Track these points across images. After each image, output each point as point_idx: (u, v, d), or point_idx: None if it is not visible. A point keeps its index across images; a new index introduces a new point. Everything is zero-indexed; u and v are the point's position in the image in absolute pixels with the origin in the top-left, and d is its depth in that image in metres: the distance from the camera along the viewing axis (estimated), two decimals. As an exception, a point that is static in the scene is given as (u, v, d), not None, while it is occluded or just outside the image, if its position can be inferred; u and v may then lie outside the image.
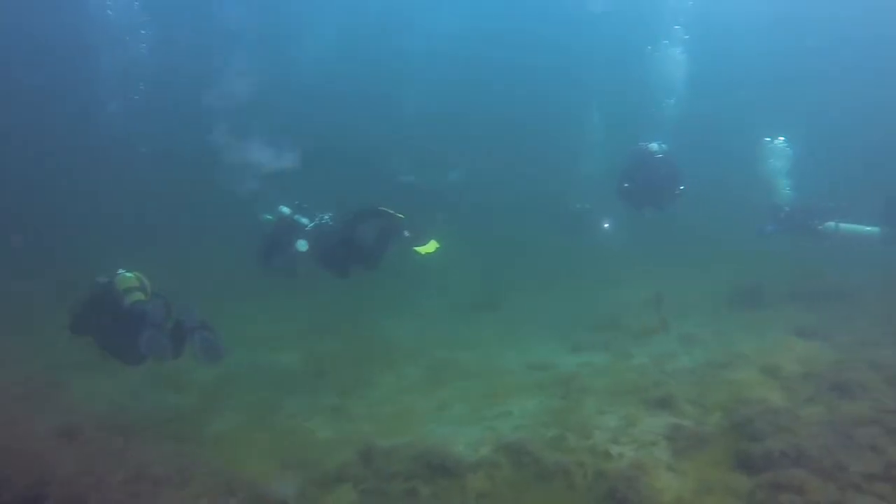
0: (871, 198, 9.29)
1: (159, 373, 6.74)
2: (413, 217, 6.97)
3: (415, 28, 22.13)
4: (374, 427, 5.74)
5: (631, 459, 4.49)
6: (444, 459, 4.61)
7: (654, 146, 8.67)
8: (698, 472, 4.31)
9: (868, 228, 8.95)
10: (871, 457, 3.81)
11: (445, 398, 6.41)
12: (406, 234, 6.86)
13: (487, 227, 16.31)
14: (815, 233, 9.07)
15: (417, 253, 6.98)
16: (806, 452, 4.03)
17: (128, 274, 5.65)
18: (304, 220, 7.03)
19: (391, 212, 6.75)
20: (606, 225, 8.73)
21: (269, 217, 7.25)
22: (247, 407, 6.48)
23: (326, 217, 7.09)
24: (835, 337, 6.84)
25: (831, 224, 8.90)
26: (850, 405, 4.66)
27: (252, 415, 6.26)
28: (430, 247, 7.05)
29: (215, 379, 7.24)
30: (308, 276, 7.56)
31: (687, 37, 14.24)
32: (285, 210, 7.15)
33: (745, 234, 10.05)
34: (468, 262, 14.00)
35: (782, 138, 11.46)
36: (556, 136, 18.68)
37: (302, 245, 6.73)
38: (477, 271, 13.29)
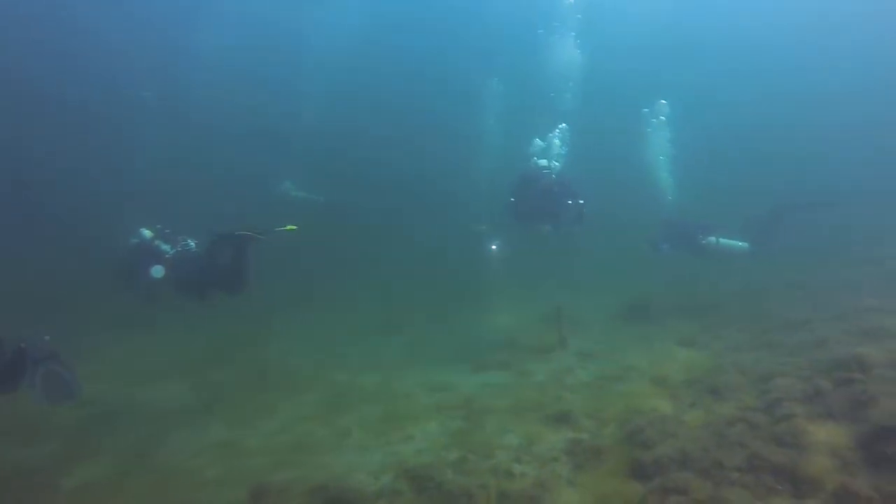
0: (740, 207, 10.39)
1: (10, 417, 5.93)
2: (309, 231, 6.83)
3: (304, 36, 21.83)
4: (268, 461, 5.41)
5: (533, 478, 4.55)
6: (343, 491, 4.44)
7: (543, 162, 8.91)
8: (596, 484, 4.45)
9: (740, 244, 10.06)
10: (738, 451, 4.14)
11: (346, 425, 6.20)
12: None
13: (388, 247, 16.34)
14: (699, 248, 10.06)
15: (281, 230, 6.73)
16: (689, 455, 4.30)
17: None
18: (166, 247, 6.66)
19: (250, 234, 6.49)
20: (494, 247, 8.93)
21: (135, 240, 6.77)
22: (120, 450, 5.85)
23: (191, 242, 6.75)
24: (710, 345, 7.45)
25: (713, 239, 9.95)
26: (722, 406, 5.06)
27: (126, 459, 5.66)
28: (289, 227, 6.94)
29: (82, 420, 6.50)
30: (208, 303, 7.12)
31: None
32: (146, 234, 6.72)
33: (637, 249, 10.78)
34: (369, 285, 13.91)
35: (663, 117, 12.47)
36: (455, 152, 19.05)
37: (157, 271, 6.38)
38: (378, 294, 13.21)
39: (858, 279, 7.95)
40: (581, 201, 8.79)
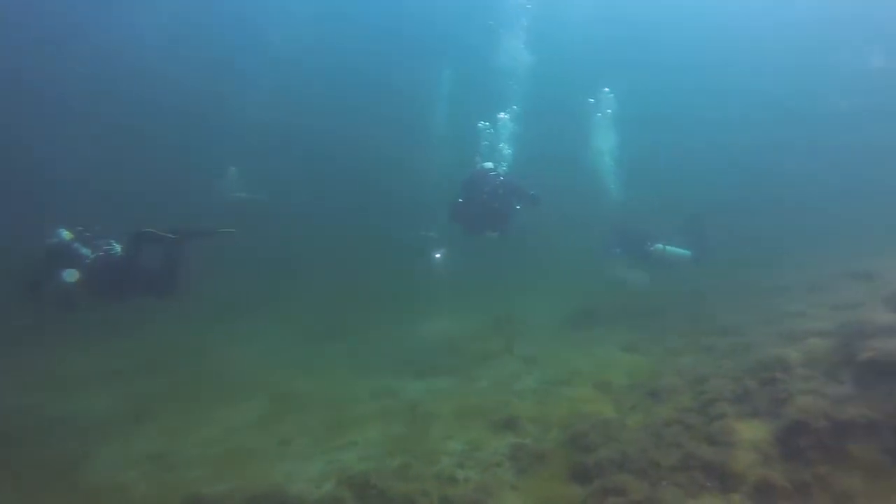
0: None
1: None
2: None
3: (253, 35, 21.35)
4: (203, 472, 5.24)
5: (476, 483, 4.61)
6: (282, 501, 4.37)
7: (489, 165, 8.95)
8: (539, 488, 4.55)
9: (683, 251, 10.56)
10: (674, 452, 4.33)
11: (287, 433, 6.09)
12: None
13: (334, 250, 16.16)
14: (646, 254, 10.48)
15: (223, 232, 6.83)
16: (629, 457, 4.45)
17: None
18: (85, 250, 6.39)
19: (160, 234, 6.38)
20: (437, 255, 8.99)
21: (53, 240, 6.46)
22: (41, 467, 5.52)
23: (116, 245, 6.51)
24: (652, 349, 7.72)
25: (660, 246, 10.39)
26: (661, 408, 5.27)
27: (47, 477, 5.34)
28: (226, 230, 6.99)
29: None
30: (138, 308, 6.85)
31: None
32: (65, 235, 6.42)
33: (584, 254, 11.09)
34: (313, 289, 13.73)
35: (609, 111, 12.76)
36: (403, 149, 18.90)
37: (69, 275, 6.11)
38: (323, 299, 13.07)
39: (784, 285, 8.44)
40: (532, 192, 8.80)
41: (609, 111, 14.64)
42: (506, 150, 10.07)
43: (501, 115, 10.77)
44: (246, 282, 13.65)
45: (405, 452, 5.23)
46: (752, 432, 4.31)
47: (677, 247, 10.74)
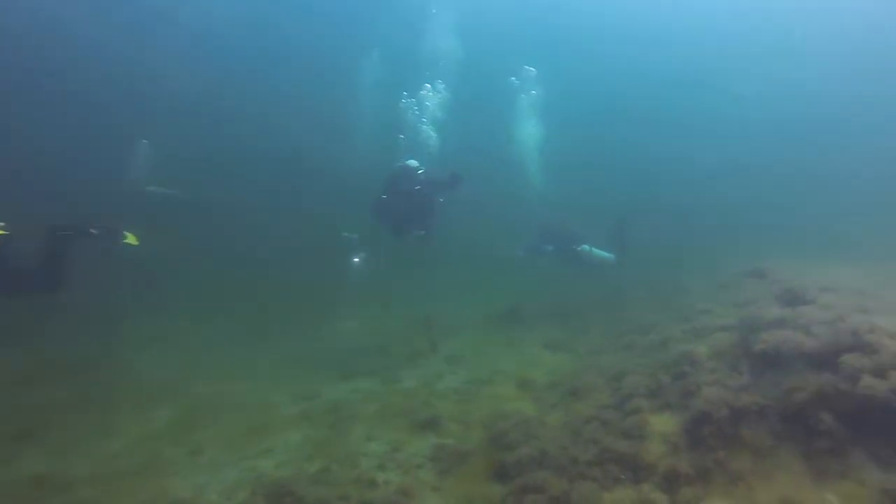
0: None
1: None
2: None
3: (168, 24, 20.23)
4: (96, 493, 4.86)
5: (396, 485, 4.59)
6: (188, 516, 4.11)
7: (413, 163, 8.84)
8: (460, 488, 4.59)
9: (608, 254, 11.00)
10: (591, 448, 4.51)
11: (201, 440, 5.81)
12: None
13: (257, 249, 15.63)
14: (573, 254, 10.83)
15: (128, 244, 6.79)
16: (548, 454, 4.58)
17: None
18: None
19: (64, 231, 6.09)
20: (356, 259, 8.86)
21: None
22: None
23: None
24: (573, 348, 7.99)
25: (586, 247, 10.77)
26: (580, 406, 5.46)
27: None
28: (132, 239, 6.94)
29: None
30: (36, 310, 6.33)
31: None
32: None
33: (510, 252, 11.28)
34: (235, 290, 13.22)
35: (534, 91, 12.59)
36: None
37: None
38: (244, 300, 12.61)
39: (692, 285, 9.00)
40: (452, 172, 8.69)
41: (533, 92, 14.53)
42: (431, 132, 9.93)
43: (426, 88, 10.60)
44: (160, 282, 12.91)
45: (325, 456, 5.14)
46: (663, 425, 4.55)
47: (601, 249, 11.19)
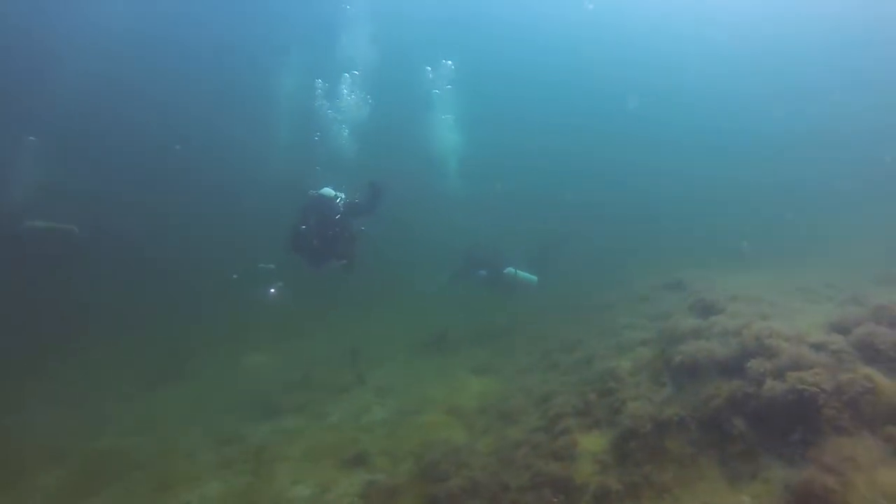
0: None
1: None
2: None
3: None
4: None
5: (325, 528, 4.41)
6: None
7: (329, 191, 8.67)
8: (392, 524, 4.47)
9: (532, 276, 11.36)
10: (523, 473, 4.57)
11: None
12: None
13: (168, 282, 14.83)
14: (501, 277, 11.11)
15: None
16: (480, 482, 4.61)
17: None
18: None
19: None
20: (273, 290, 8.60)
21: None
22: None
23: None
24: (501, 370, 8.10)
25: (511, 270, 11.09)
26: (511, 430, 5.52)
27: None
28: None
29: None
30: None
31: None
32: None
33: (430, 279, 11.34)
34: (146, 327, 12.47)
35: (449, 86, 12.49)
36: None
37: None
38: (158, 337, 11.89)
39: (615, 300, 9.40)
40: (375, 185, 8.58)
41: (449, 87, 14.38)
42: (344, 130, 9.80)
43: (344, 78, 10.48)
44: (61, 321, 11.87)
45: (246, 506, 4.88)
46: (592, 443, 4.69)
47: (524, 271, 11.53)
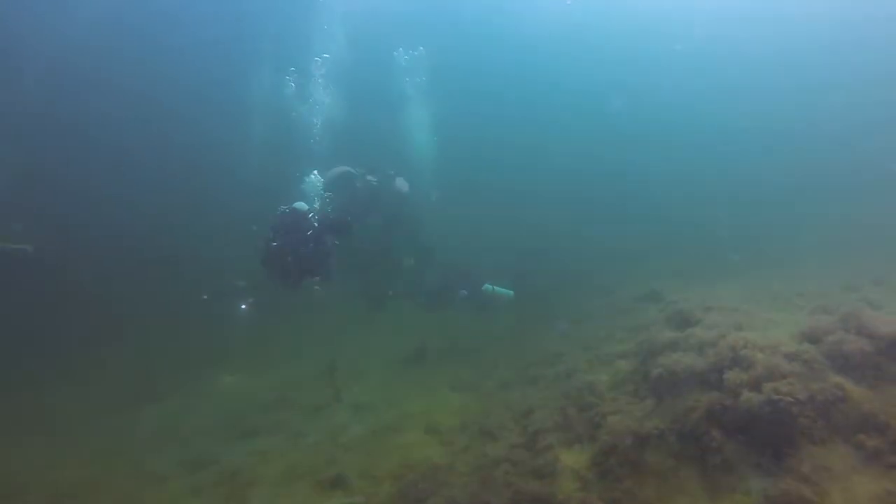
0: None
1: None
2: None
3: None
4: None
5: (302, 555, 4.36)
6: None
7: (301, 205, 8.60)
8: (371, 548, 4.44)
9: (507, 291, 11.43)
10: (505, 491, 4.58)
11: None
12: None
13: (137, 299, 14.56)
14: (479, 295, 11.17)
15: None
16: (460, 503, 4.57)
17: None
18: None
19: None
20: (244, 306, 8.51)
21: None
22: None
23: None
24: (481, 386, 8.10)
25: (489, 286, 11.16)
26: (492, 447, 5.54)
27: None
28: None
29: None
30: None
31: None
32: None
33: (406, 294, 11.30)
34: (116, 345, 12.22)
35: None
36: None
37: None
38: (129, 356, 11.65)
39: (594, 310, 9.50)
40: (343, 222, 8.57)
41: (423, 79, 14.20)
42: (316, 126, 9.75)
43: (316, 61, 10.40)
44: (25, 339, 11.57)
45: (220, 534, 4.80)
46: (573, 459, 4.74)
47: (500, 286, 11.61)
